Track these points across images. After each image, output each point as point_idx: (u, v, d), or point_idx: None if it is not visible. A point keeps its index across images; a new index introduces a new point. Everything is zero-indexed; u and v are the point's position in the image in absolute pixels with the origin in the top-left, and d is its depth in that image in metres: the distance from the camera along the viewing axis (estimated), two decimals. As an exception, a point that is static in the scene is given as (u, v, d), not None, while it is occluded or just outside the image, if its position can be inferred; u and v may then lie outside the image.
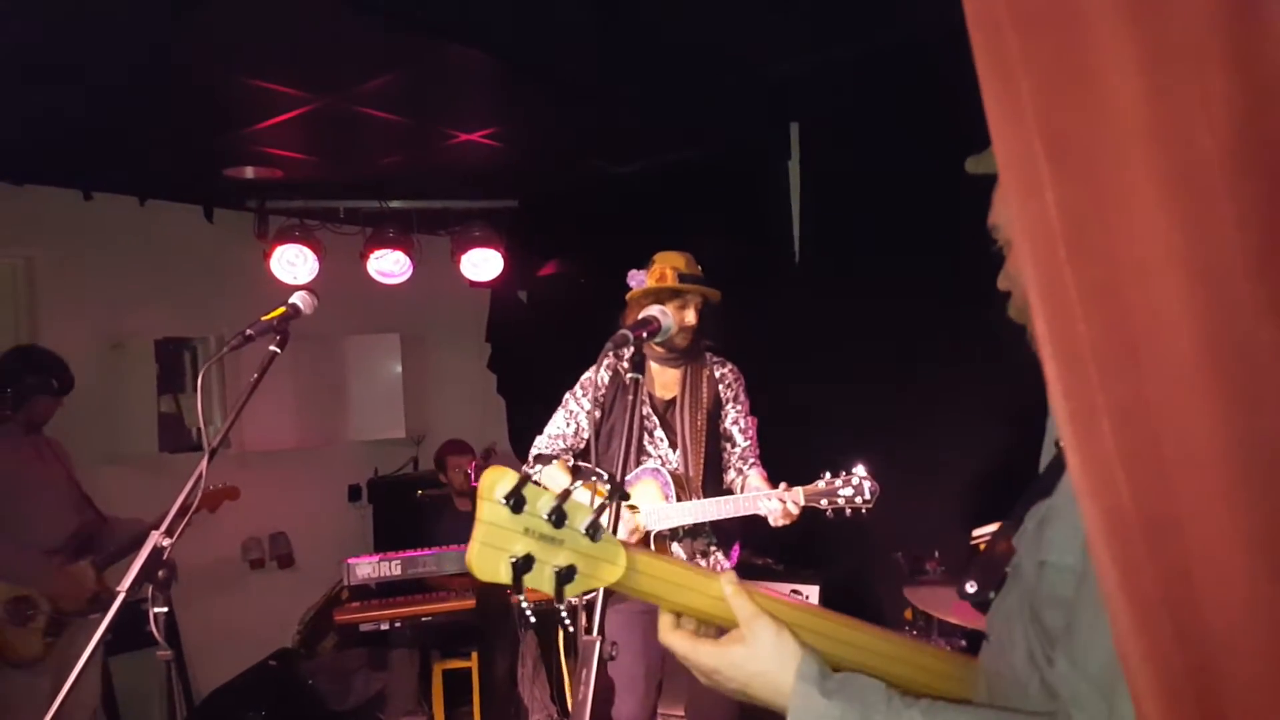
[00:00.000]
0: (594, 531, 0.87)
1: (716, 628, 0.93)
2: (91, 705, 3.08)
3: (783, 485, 2.39)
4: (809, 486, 2.37)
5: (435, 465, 4.51)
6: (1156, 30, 0.43)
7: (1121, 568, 0.46)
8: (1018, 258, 0.85)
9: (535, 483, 0.85)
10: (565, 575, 0.86)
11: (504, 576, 0.85)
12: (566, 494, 0.86)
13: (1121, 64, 0.44)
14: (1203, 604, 0.45)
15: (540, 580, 0.86)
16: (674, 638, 0.93)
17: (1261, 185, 0.42)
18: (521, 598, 0.87)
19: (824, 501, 2.35)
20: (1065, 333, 0.46)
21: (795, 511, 2.35)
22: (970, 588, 0.93)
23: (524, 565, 0.85)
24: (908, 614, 2.97)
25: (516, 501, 0.84)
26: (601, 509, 0.87)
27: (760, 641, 0.87)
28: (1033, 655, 0.79)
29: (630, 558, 0.90)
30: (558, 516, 0.85)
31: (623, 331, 1.57)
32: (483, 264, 4.58)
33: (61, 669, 2.86)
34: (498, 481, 0.85)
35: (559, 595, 0.86)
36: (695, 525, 2.54)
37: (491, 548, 0.85)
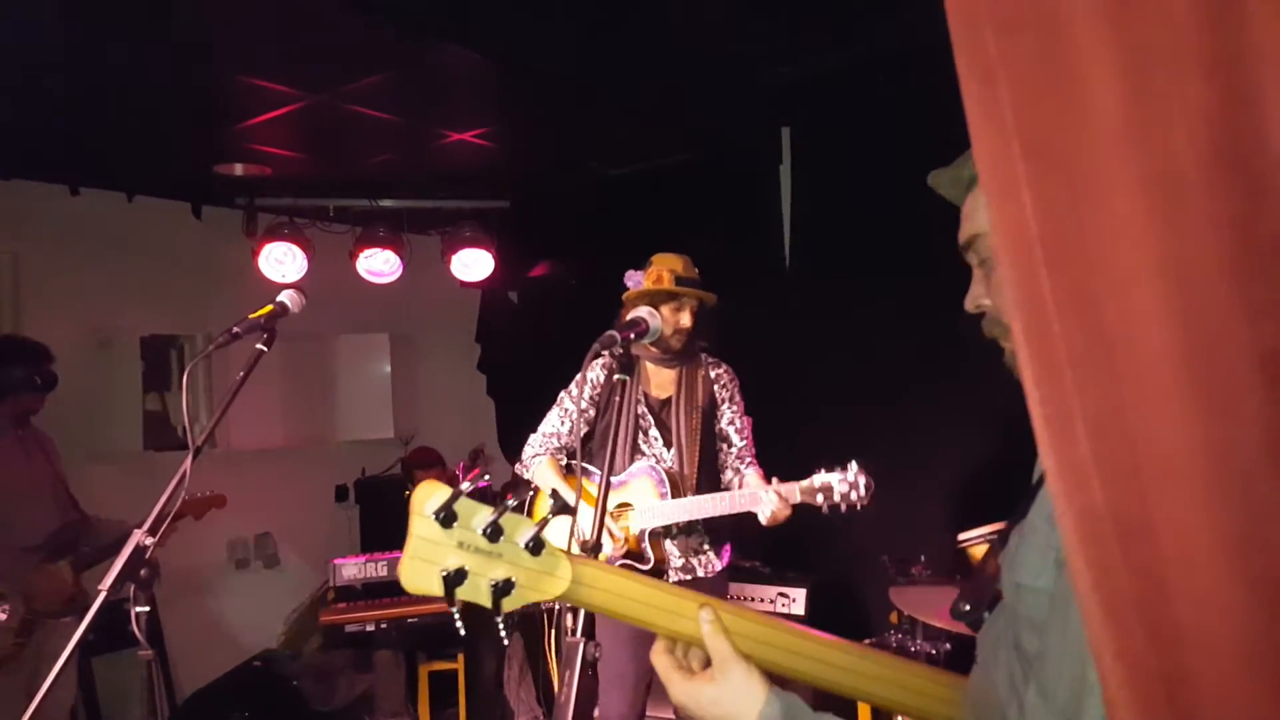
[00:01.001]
0: (535, 546, 0.87)
1: (703, 656, 0.93)
2: (67, 705, 3.05)
3: (774, 480, 2.39)
4: (804, 482, 2.37)
5: (403, 472, 4.46)
6: (1135, 34, 0.44)
7: (1095, 570, 0.46)
8: (998, 273, 0.84)
9: (469, 497, 0.86)
10: (502, 588, 0.87)
11: (435, 589, 0.86)
12: (503, 510, 0.86)
13: (1100, 67, 0.44)
14: (1175, 607, 0.45)
15: (476, 593, 0.87)
16: (659, 660, 0.94)
17: (1237, 189, 0.43)
18: (454, 610, 0.87)
19: (820, 497, 2.34)
20: (1040, 336, 0.46)
21: (788, 511, 2.35)
22: (964, 606, 0.93)
23: (456, 578, 0.86)
24: (893, 617, 2.98)
25: (447, 517, 0.85)
26: (544, 524, 0.88)
27: (730, 684, 0.87)
28: (1013, 679, 0.78)
29: (577, 571, 0.90)
30: (493, 531, 0.86)
31: (610, 332, 1.57)
32: (473, 264, 4.56)
33: (34, 670, 2.83)
34: (429, 497, 0.86)
35: (496, 608, 0.87)
36: (688, 523, 2.55)
37: (422, 561, 0.86)
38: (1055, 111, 0.45)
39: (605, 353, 2.59)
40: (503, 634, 0.94)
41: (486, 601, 0.87)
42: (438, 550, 0.86)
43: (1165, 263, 0.43)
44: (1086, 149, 0.45)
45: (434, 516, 0.85)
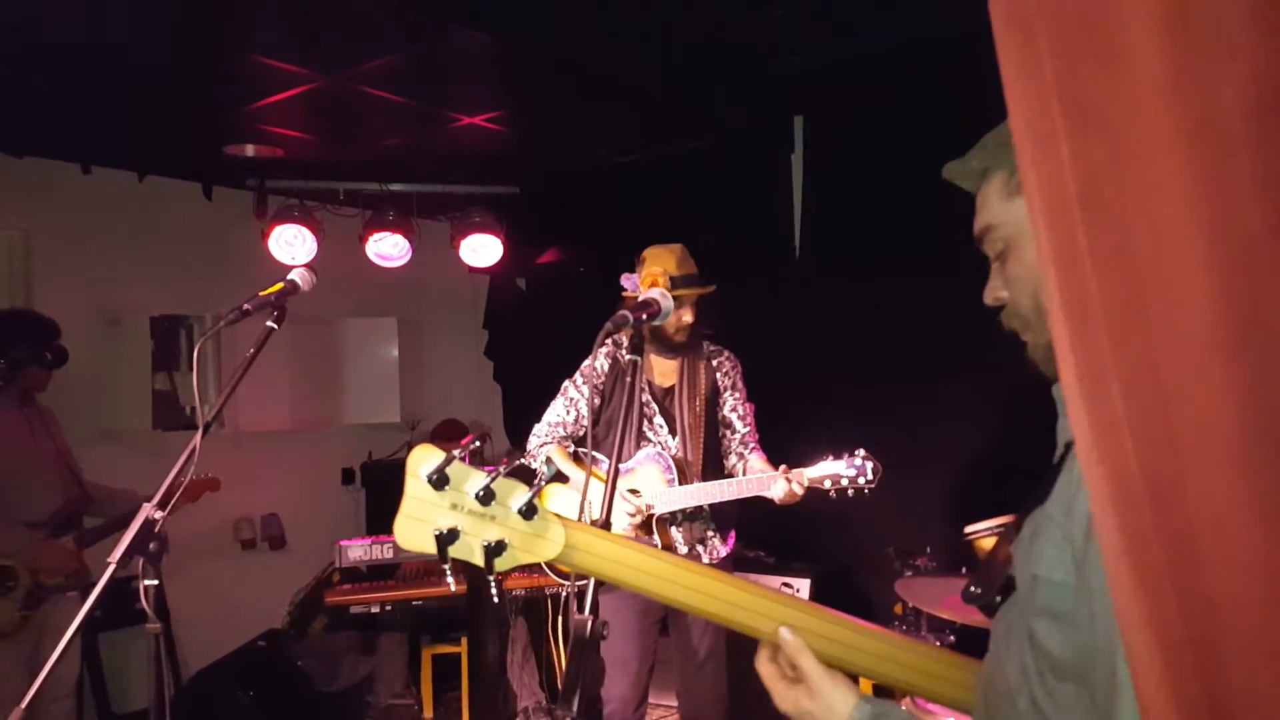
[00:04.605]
0: (528, 510, 0.90)
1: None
2: (71, 680, 3.07)
3: (783, 467, 2.40)
4: (812, 469, 2.39)
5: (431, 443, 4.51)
6: (1180, -14, 0.43)
7: (1126, 534, 0.45)
8: (1016, 260, 0.83)
9: (462, 460, 0.89)
10: (494, 549, 0.90)
11: (429, 547, 0.90)
12: (496, 474, 0.90)
13: (1143, 17, 0.43)
14: (1206, 571, 0.44)
15: (468, 552, 0.91)
16: (764, 669, 0.97)
17: (1283, 146, 0.41)
18: (447, 569, 0.90)
19: (828, 482, 2.36)
20: (1076, 294, 0.45)
21: (800, 492, 2.36)
22: (975, 590, 0.94)
23: (448, 537, 0.90)
24: (898, 609, 2.98)
25: (439, 479, 0.89)
26: (538, 490, 0.91)
27: (822, 699, 0.92)
28: (1025, 669, 0.78)
29: (571, 536, 0.93)
30: (485, 494, 0.90)
31: (622, 312, 1.57)
32: (482, 250, 4.56)
33: (38, 644, 2.85)
34: (423, 460, 0.90)
35: (488, 567, 0.91)
36: (695, 510, 2.55)
37: (415, 520, 0.91)
38: (1096, 63, 0.44)
39: (609, 341, 2.62)
40: (494, 595, 0.99)
41: (479, 560, 0.91)
42: (431, 510, 0.91)
43: (1207, 219, 0.42)
44: (1128, 102, 0.43)
45: (427, 478, 0.89)
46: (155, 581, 1.77)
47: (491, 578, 0.93)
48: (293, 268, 2.10)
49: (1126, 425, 0.45)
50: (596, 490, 2.07)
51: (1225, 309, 0.43)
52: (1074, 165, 0.44)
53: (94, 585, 1.63)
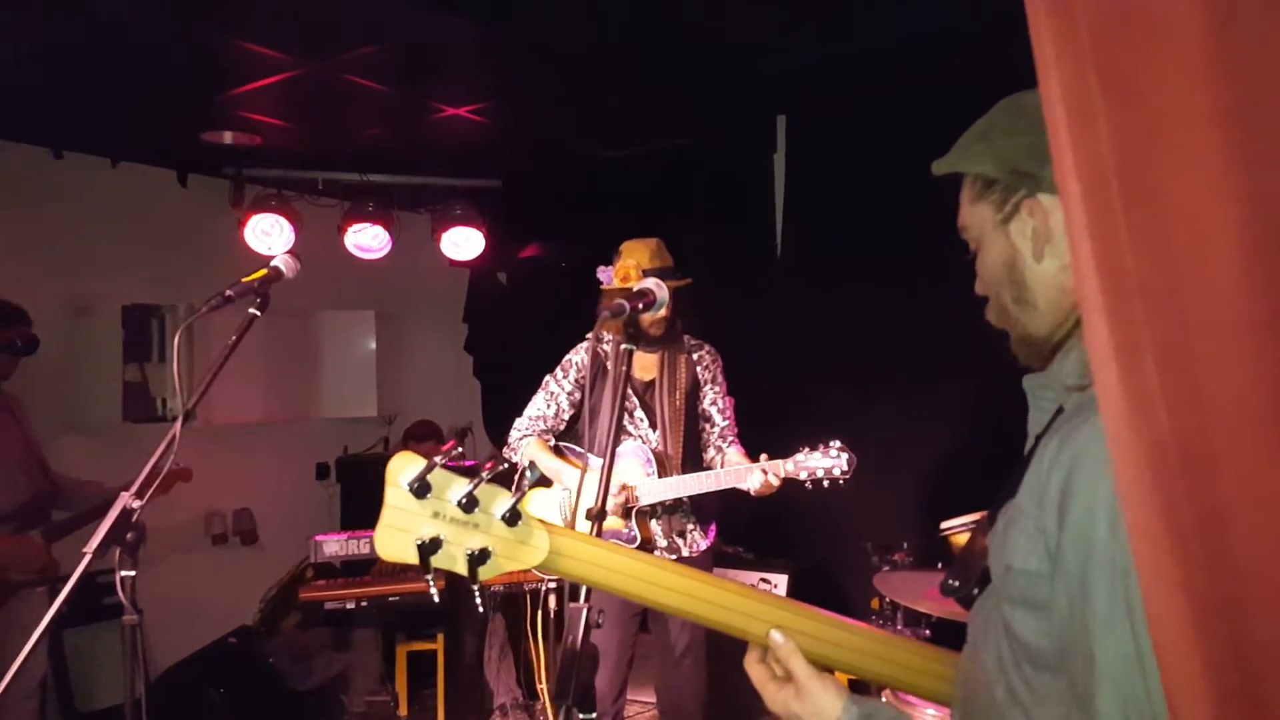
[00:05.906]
0: (511, 517, 0.89)
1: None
2: (37, 677, 2.99)
3: (763, 457, 2.42)
4: (788, 461, 2.41)
5: (403, 444, 4.46)
6: (1218, -35, 0.43)
7: (1159, 500, 0.46)
8: (980, 260, 0.86)
9: (445, 468, 0.88)
10: (478, 558, 0.89)
11: (410, 557, 0.88)
12: (478, 481, 0.88)
13: (1185, -4, 0.44)
14: (1236, 537, 0.45)
15: (451, 562, 0.89)
16: (754, 670, 0.97)
17: (1316, 125, 0.42)
18: (429, 578, 0.88)
19: (803, 474, 2.38)
20: (1113, 268, 0.46)
21: (776, 483, 2.38)
22: (953, 583, 0.95)
23: (430, 547, 0.88)
24: (874, 603, 3.01)
25: (421, 487, 0.87)
26: (521, 496, 0.90)
27: (811, 701, 0.93)
28: (1001, 658, 0.79)
29: (555, 541, 0.92)
30: (468, 502, 0.88)
31: (619, 301, 1.57)
32: (463, 243, 4.52)
33: (2, 640, 2.77)
34: (403, 468, 0.88)
35: (472, 576, 0.89)
36: (673, 503, 2.56)
37: (396, 530, 0.89)
38: (1135, 39, 0.45)
39: (589, 337, 2.62)
40: (479, 603, 0.95)
41: (463, 570, 0.89)
42: (412, 519, 0.89)
43: (1243, 196, 0.43)
44: (1167, 78, 0.44)
45: (408, 487, 0.87)
46: (133, 572, 1.73)
47: (475, 587, 0.91)
48: (270, 259, 2.06)
49: (1160, 395, 0.46)
50: (579, 483, 2.07)
51: (1259, 282, 0.44)
52: (1112, 139, 0.45)
53: (64, 579, 1.58)
